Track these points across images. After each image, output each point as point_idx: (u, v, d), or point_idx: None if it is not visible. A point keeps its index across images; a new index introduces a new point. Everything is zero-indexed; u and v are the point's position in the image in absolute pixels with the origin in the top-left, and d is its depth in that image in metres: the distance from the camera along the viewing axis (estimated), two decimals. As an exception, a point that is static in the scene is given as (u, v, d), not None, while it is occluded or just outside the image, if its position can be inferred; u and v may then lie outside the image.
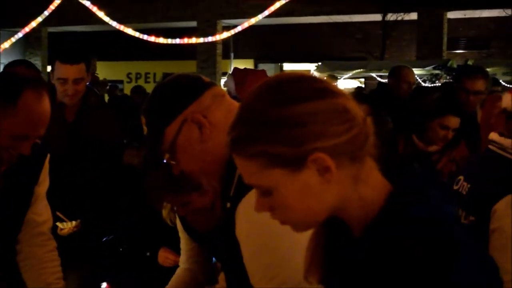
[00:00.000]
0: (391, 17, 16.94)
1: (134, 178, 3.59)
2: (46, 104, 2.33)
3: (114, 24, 13.92)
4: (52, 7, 13.34)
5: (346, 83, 16.28)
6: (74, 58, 3.63)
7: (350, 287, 1.29)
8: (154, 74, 20.73)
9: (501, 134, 2.45)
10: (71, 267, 3.57)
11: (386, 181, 1.32)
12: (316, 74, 13.47)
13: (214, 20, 18.16)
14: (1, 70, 6.97)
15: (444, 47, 16.51)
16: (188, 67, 17.30)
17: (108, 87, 12.75)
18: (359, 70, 13.99)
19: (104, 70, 16.25)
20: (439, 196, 1.30)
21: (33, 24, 13.65)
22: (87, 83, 3.81)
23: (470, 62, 12.50)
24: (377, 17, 17.07)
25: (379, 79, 14.68)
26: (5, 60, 12.99)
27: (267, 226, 1.45)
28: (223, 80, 14.67)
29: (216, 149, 1.81)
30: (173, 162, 1.91)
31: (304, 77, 1.31)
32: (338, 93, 1.28)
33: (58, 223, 3.55)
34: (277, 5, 14.36)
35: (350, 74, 14.05)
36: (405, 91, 6.02)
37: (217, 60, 18.39)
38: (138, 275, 3.96)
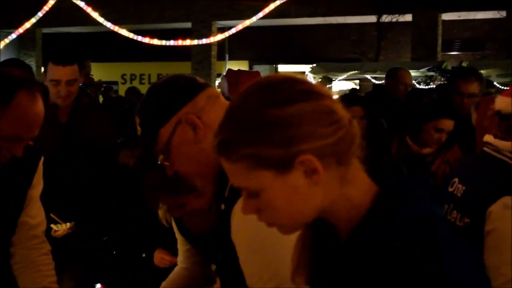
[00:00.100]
0: (386, 18, 16.97)
1: (129, 179, 3.59)
2: (40, 105, 2.32)
3: (108, 25, 13.90)
4: (46, 8, 13.30)
5: (341, 84, 16.30)
6: (67, 59, 3.62)
7: None
8: (149, 75, 20.74)
9: (495, 136, 2.45)
10: (65, 269, 3.56)
11: (372, 183, 1.32)
12: (311, 75, 13.49)
13: (209, 22, 18.15)
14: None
15: (439, 48, 16.53)
16: (183, 68, 17.29)
17: (103, 89, 12.74)
18: (353, 72, 14.00)
19: (99, 71, 16.22)
20: (425, 197, 1.30)
21: (27, 25, 13.61)
22: (80, 84, 3.80)
23: (464, 64, 12.54)
24: (372, 18, 17.09)
25: (373, 80, 14.70)
26: (-1, 61, 12.91)
27: (263, 228, 1.45)
28: (218, 82, 14.66)
29: (210, 150, 1.80)
30: (167, 163, 1.91)
31: (291, 79, 1.31)
32: (324, 95, 1.29)
33: (52, 225, 3.54)
34: (271, 6, 14.36)
35: (345, 75, 14.06)
36: (401, 93, 6.05)
37: (212, 62, 18.38)
38: (132, 276, 3.95)
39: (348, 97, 6.96)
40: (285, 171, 1.24)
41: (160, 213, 3.25)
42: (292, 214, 1.30)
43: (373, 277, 1.20)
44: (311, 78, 13.59)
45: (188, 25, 18.29)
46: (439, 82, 11.66)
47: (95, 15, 13.81)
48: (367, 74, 14.49)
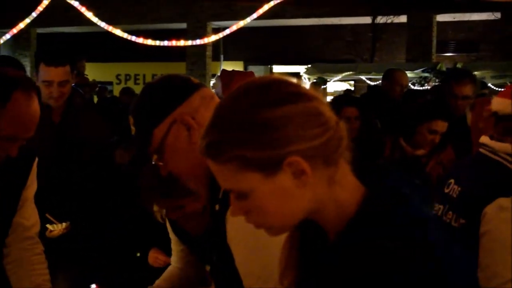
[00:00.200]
0: (380, 19, 16.98)
1: (125, 178, 3.58)
2: (36, 105, 2.32)
3: (102, 24, 13.85)
4: (40, 8, 13.26)
5: (336, 85, 16.30)
6: (59, 60, 3.60)
7: None
8: (144, 76, 20.71)
9: (491, 137, 2.45)
10: (60, 269, 3.56)
11: (360, 184, 1.33)
12: (306, 76, 13.49)
13: (205, 22, 18.14)
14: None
15: (434, 50, 16.55)
16: (178, 68, 17.27)
17: (97, 89, 12.71)
18: (348, 73, 14.01)
19: (94, 72, 16.18)
20: (414, 197, 1.31)
21: (21, 25, 13.56)
22: (73, 84, 3.79)
23: (459, 65, 12.55)
24: (367, 19, 17.10)
25: (368, 81, 14.71)
26: (-6, 61, 12.86)
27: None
28: (212, 82, 14.66)
29: None
30: (160, 163, 1.90)
31: (279, 81, 1.31)
32: (312, 96, 1.29)
33: (48, 225, 3.53)
34: (265, 7, 14.33)
35: (339, 76, 14.06)
36: (397, 94, 6.07)
37: (207, 62, 18.37)
38: (128, 276, 3.94)
39: (342, 98, 6.99)
40: (273, 172, 1.25)
41: (155, 207, 3.24)
42: (280, 215, 1.30)
43: (362, 279, 1.20)
44: (306, 79, 13.60)
45: (184, 25, 18.27)
46: (433, 83, 11.67)
47: (89, 14, 13.77)
48: (362, 75, 14.50)
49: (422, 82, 12.54)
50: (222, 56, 19.19)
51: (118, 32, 13.87)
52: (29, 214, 2.67)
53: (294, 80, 1.33)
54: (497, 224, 2.24)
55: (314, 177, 1.26)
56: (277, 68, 21.10)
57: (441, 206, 2.53)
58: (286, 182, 1.25)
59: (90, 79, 12.00)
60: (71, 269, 3.74)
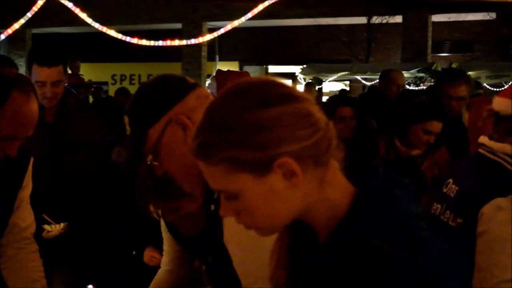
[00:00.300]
0: (376, 20, 17.02)
1: (124, 178, 3.57)
2: (34, 104, 2.32)
3: (96, 25, 13.83)
4: (35, 8, 13.23)
5: (331, 85, 16.33)
6: (52, 60, 3.57)
7: None
8: (139, 76, 20.69)
9: (490, 138, 2.43)
10: (56, 270, 3.56)
11: (350, 184, 1.33)
12: (302, 76, 13.51)
13: (200, 22, 18.14)
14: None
15: (429, 50, 16.57)
16: (173, 69, 17.25)
17: (93, 89, 12.69)
18: (344, 73, 14.04)
19: (89, 72, 16.15)
20: (403, 196, 1.32)
21: (16, 26, 13.52)
22: (66, 84, 3.78)
23: (454, 65, 12.59)
24: (363, 19, 17.13)
25: (364, 81, 14.75)
26: (-11, 62, 12.83)
27: None
28: (208, 82, 14.66)
29: None
30: (156, 163, 1.89)
31: (268, 82, 1.32)
32: (301, 97, 1.30)
33: (45, 226, 3.52)
34: (260, 7, 14.32)
35: (335, 76, 14.09)
36: (393, 94, 6.09)
37: (202, 62, 18.37)
38: (124, 277, 3.94)
39: (338, 98, 7.00)
40: (264, 173, 1.25)
41: (151, 207, 3.23)
42: (271, 216, 1.30)
43: (354, 278, 1.21)
44: (302, 79, 13.62)
45: (179, 25, 18.27)
46: (429, 84, 11.70)
47: (83, 15, 13.75)
48: (357, 75, 14.53)
49: (418, 82, 12.57)
50: (217, 56, 19.18)
51: (112, 32, 13.85)
52: (25, 215, 2.67)
53: (284, 81, 1.34)
54: (494, 224, 2.23)
55: (304, 178, 1.26)
56: (273, 68, 21.12)
57: (439, 206, 2.53)
58: (277, 183, 1.26)
59: (86, 80, 11.99)
60: (67, 269, 3.73)
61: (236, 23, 14.49)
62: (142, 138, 1.86)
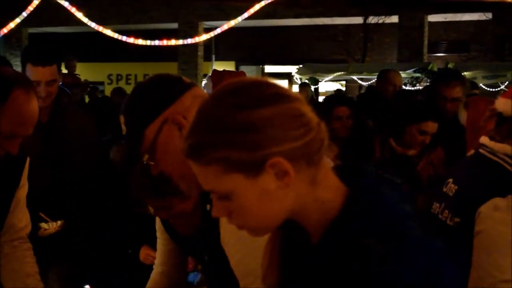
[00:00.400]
0: (372, 20, 17.02)
1: (122, 177, 3.57)
2: (35, 102, 2.33)
3: (92, 25, 13.81)
4: (30, 8, 13.20)
5: (327, 85, 16.33)
6: (46, 60, 3.57)
7: None
8: (135, 76, 20.69)
9: (491, 138, 2.43)
10: (53, 267, 3.56)
11: (341, 183, 1.33)
12: (298, 76, 13.50)
13: (196, 22, 18.14)
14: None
15: (425, 50, 16.60)
16: (169, 68, 17.24)
17: (89, 89, 12.69)
18: (340, 73, 14.04)
19: (85, 72, 16.14)
20: (394, 195, 1.32)
21: (11, 25, 13.50)
22: (60, 84, 3.77)
23: (450, 65, 12.59)
24: (359, 19, 17.13)
25: (360, 81, 14.75)
26: (-15, 61, 12.79)
27: None
28: (204, 82, 14.65)
29: None
30: (152, 163, 1.89)
31: (260, 82, 1.32)
32: (293, 98, 1.30)
33: (42, 224, 3.52)
34: (256, 7, 14.32)
35: (331, 76, 14.08)
36: (390, 94, 6.09)
37: (198, 62, 18.37)
38: (121, 277, 3.94)
39: (334, 97, 7.01)
40: (256, 174, 1.25)
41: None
42: (263, 216, 1.30)
43: (348, 278, 1.21)
44: (298, 79, 13.62)
45: (175, 25, 18.27)
46: (425, 84, 11.71)
47: (79, 15, 13.72)
48: (353, 75, 14.53)
49: (414, 82, 12.58)
50: (213, 56, 19.18)
51: (108, 32, 13.84)
52: (21, 216, 2.69)
53: (280, 81, 1.34)
54: (491, 223, 2.23)
55: (296, 178, 1.26)
56: (269, 68, 21.13)
57: (438, 205, 2.53)
58: (269, 183, 1.26)
59: (82, 79, 11.98)
60: (64, 267, 3.73)
61: (232, 23, 14.49)
62: (138, 138, 1.86)
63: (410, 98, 5.73)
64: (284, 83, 1.35)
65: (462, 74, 5.89)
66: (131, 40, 13.74)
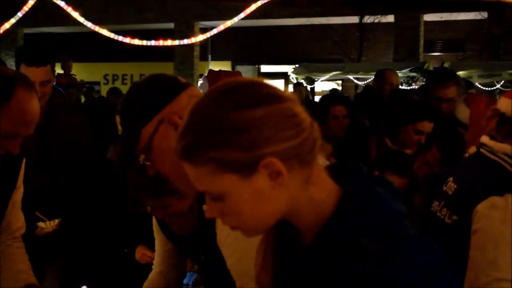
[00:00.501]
0: (368, 19, 17.03)
1: (121, 177, 3.56)
2: (36, 102, 2.32)
3: (89, 24, 13.78)
4: (26, 8, 13.17)
5: (324, 85, 16.32)
6: (40, 60, 3.56)
7: None
8: (131, 76, 20.66)
9: (491, 138, 2.43)
10: (50, 266, 3.55)
11: (335, 183, 1.33)
12: (294, 76, 13.49)
13: (192, 22, 18.13)
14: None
15: (421, 49, 16.60)
16: (166, 69, 17.21)
17: (85, 89, 12.67)
18: (336, 72, 14.03)
19: (81, 72, 16.13)
20: (386, 194, 1.32)
21: (7, 25, 13.46)
22: (54, 84, 3.76)
23: (446, 65, 12.60)
24: (355, 19, 17.14)
25: (356, 81, 14.76)
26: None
27: None
28: (200, 82, 14.64)
29: None
30: (148, 163, 1.89)
31: (253, 82, 1.32)
32: (286, 98, 1.30)
33: (39, 223, 3.52)
34: (253, 7, 14.31)
35: (327, 76, 14.08)
36: (387, 93, 6.10)
37: (195, 62, 18.36)
38: (118, 277, 3.94)
39: (330, 97, 7.00)
40: (250, 174, 1.25)
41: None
42: (257, 217, 1.30)
43: (342, 277, 1.21)
44: (294, 79, 13.61)
45: (171, 25, 18.25)
46: (421, 83, 11.71)
47: (75, 14, 13.70)
48: (349, 74, 14.53)
49: (410, 81, 12.58)
50: (209, 56, 19.17)
51: (104, 32, 13.82)
52: (17, 218, 2.69)
53: (276, 81, 1.33)
54: (488, 222, 2.23)
55: (290, 178, 1.26)
56: (265, 68, 21.12)
57: (437, 203, 2.54)
58: (262, 183, 1.26)
59: (78, 80, 11.97)
60: (62, 266, 3.73)
61: (228, 23, 14.48)
62: (134, 138, 1.86)
63: (406, 97, 5.74)
64: (280, 83, 1.35)
65: (458, 73, 5.89)
66: (127, 40, 13.72)
